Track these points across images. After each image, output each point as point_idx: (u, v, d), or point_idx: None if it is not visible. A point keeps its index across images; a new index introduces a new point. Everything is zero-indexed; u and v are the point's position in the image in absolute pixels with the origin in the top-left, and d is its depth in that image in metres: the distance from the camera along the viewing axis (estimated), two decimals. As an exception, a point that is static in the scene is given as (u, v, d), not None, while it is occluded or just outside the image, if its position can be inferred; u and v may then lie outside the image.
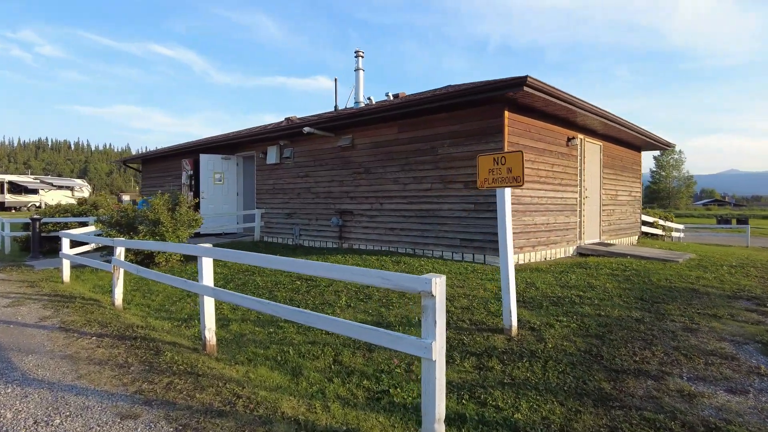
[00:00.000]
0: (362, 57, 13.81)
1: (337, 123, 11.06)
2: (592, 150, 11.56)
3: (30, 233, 12.19)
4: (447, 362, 3.98)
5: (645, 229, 15.89)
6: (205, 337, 4.60)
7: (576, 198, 10.89)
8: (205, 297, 4.59)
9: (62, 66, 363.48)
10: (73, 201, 51.80)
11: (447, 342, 4.64)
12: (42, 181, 50.73)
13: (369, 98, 14.27)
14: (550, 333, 4.80)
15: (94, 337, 5.02)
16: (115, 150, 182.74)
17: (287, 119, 19.02)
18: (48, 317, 5.80)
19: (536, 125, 9.37)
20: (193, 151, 15.82)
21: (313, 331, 5.05)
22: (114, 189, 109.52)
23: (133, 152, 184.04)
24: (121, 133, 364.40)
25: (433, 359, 2.70)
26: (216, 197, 14.15)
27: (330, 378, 3.94)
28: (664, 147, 14.79)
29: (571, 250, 10.49)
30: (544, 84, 7.86)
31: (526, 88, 7.58)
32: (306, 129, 11.07)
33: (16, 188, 45.60)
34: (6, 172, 70.08)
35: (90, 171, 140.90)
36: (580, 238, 11.11)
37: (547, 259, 9.65)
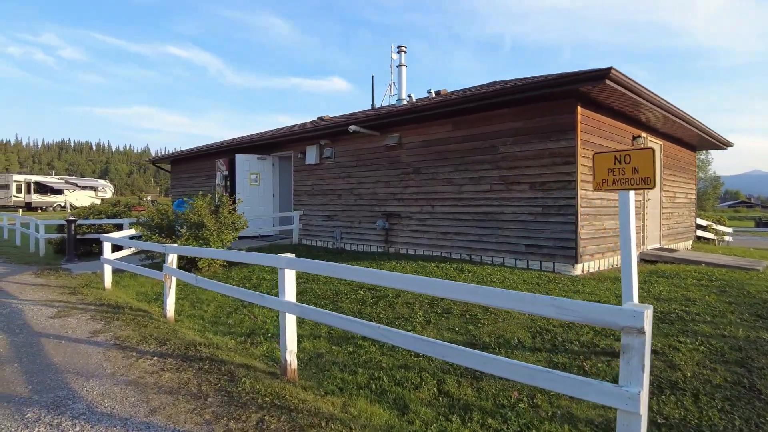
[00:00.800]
0: (405, 52, 13.21)
1: (385, 121, 10.47)
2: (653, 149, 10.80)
3: (64, 235, 11.83)
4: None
5: (698, 233, 15.02)
6: (285, 360, 4.02)
7: (639, 200, 10.15)
8: (287, 315, 4.02)
9: (82, 68, 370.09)
10: (97, 201, 52.21)
11: (562, 368, 4.01)
12: (67, 182, 51.14)
13: (410, 95, 13.67)
14: (680, 358, 4.13)
15: (155, 357, 4.48)
16: (135, 151, 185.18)
17: (320, 118, 18.52)
18: (100, 331, 5.30)
19: (605, 122, 8.66)
20: (226, 150, 15.38)
21: (400, 351, 4.45)
22: (135, 189, 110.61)
23: (152, 153, 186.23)
24: (140, 135, 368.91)
25: (640, 413, 2.08)
26: (252, 198, 13.66)
27: (445, 415, 3.33)
28: (722, 146, 13.91)
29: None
30: (628, 78, 7.16)
31: (608, 82, 6.90)
32: (352, 127, 10.50)
33: (42, 188, 45.96)
34: (31, 173, 70.96)
35: (111, 171, 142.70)
36: (643, 244, 10.36)
37: (615, 266, 8.94)
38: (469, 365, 2.79)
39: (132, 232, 9.13)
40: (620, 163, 4.12)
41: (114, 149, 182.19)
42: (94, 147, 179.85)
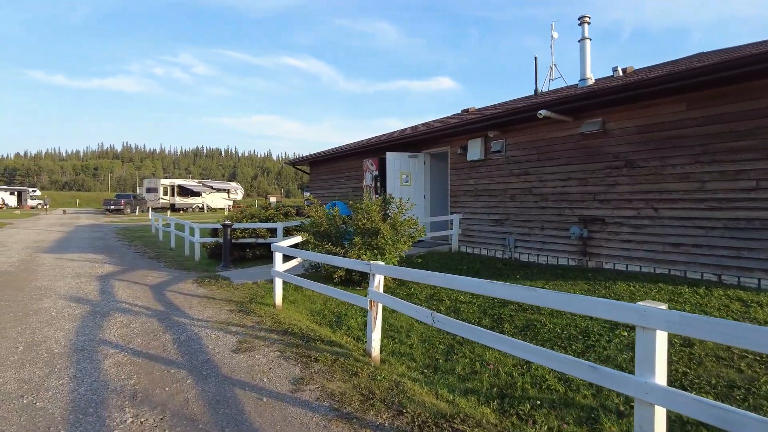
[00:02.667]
0: (588, 24, 10.98)
1: (582, 103, 8.41)
2: None
3: (219, 239, 11.35)
4: None
5: None
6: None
7: None
8: (655, 408, 2.27)
9: (211, 83, 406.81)
10: (229, 202, 55.57)
11: None
12: (204, 185, 55.11)
13: (589, 77, 11.38)
14: None
15: (400, 440, 3.00)
16: (258, 156, 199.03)
17: (465, 111, 16.80)
18: (301, 380, 4.00)
19: None
20: (373, 150, 14.25)
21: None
22: (260, 191, 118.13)
23: (274, 158, 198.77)
24: (262, 141, 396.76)
25: None
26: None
27: None
28: None
29: None
30: None
31: None
32: (543, 112, 8.58)
33: (184, 191, 49.79)
34: (172, 177, 78.17)
35: (238, 175, 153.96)
36: None
37: None
38: None
39: (298, 239, 8.09)
40: None
41: (240, 154, 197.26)
42: (223, 153, 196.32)
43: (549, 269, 8.69)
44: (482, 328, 3.67)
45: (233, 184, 65.64)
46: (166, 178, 62.67)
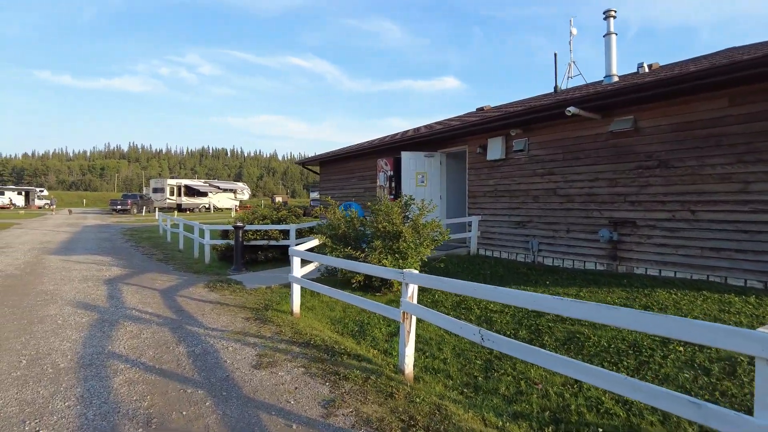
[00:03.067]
0: (614, 17, 10.55)
1: (615, 100, 8.00)
2: None
3: (229, 241, 11.00)
4: None
5: None
6: None
7: None
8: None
9: (216, 82, 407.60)
10: (236, 203, 55.36)
11: None
12: (210, 185, 54.90)
13: (614, 73, 10.94)
14: None
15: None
16: (264, 156, 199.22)
17: (479, 109, 16.39)
18: (332, 403, 3.61)
19: None
20: (385, 149, 13.87)
21: None
22: (266, 192, 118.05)
23: (279, 158, 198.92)
24: (267, 141, 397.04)
25: None
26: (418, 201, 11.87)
27: None
28: None
29: None
30: None
31: None
32: (571, 109, 8.16)
33: (190, 191, 49.57)
34: (178, 177, 78.19)
35: (244, 175, 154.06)
36: None
37: None
38: None
39: (315, 242, 7.70)
40: None
41: (246, 155, 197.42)
42: (229, 153, 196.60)
43: (577, 274, 8.27)
44: (546, 351, 3.27)
45: (240, 184, 65.40)
46: (172, 178, 62.53)
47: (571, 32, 14.11)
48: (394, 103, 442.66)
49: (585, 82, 14.40)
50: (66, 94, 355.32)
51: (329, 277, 8.53)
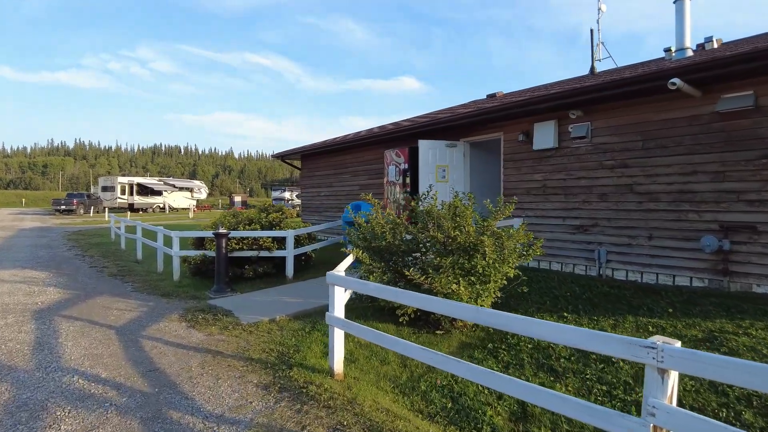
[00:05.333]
0: (684, -22, 8.76)
1: (730, 70, 6.13)
2: None
3: (208, 253, 8.53)
4: None
5: None
6: None
7: None
8: None
9: (173, 79, 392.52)
10: (192, 202, 51.63)
11: None
12: (165, 183, 50.94)
13: (687, 46, 9.12)
14: None
15: None
16: (220, 154, 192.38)
17: (490, 96, 14.44)
18: None
19: None
20: (390, 139, 11.65)
21: None
22: (223, 190, 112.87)
23: (236, 156, 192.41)
24: (224, 139, 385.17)
25: None
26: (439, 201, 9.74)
27: None
28: None
29: None
30: None
31: None
32: (675, 81, 6.22)
33: (144, 190, 45.68)
34: (129, 175, 72.91)
35: (198, 173, 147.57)
36: None
37: None
38: None
39: (350, 259, 5.40)
40: None
41: (201, 152, 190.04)
42: (182, 151, 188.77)
43: (673, 293, 6.36)
44: None
45: (197, 182, 61.31)
46: (124, 175, 58.02)
47: (599, 9, 12.37)
48: (355, 102, 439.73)
49: (616, 66, 12.69)
50: (4, 87, 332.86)
51: (358, 302, 6.28)
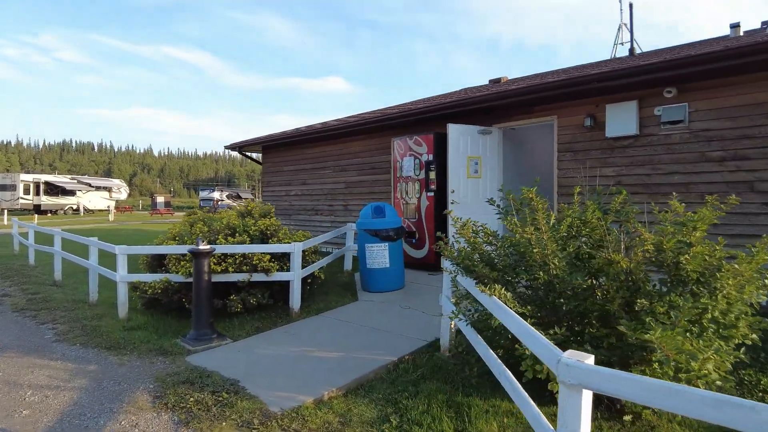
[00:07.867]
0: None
1: None
2: None
3: (173, 278, 5.87)
4: None
5: None
6: None
7: None
8: None
9: (81, 70, 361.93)
10: (111, 203, 46.13)
11: None
12: (79, 182, 45.18)
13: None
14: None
15: None
16: (138, 151, 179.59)
17: (493, 81, 12.60)
18: None
19: None
20: (401, 125, 9.42)
21: None
22: (143, 190, 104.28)
23: (156, 153, 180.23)
24: (142, 135, 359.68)
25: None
26: (472, 202, 7.66)
27: None
28: None
29: None
30: None
31: None
32: None
33: (53, 189, 39.99)
34: (34, 173, 64.65)
35: (114, 172, 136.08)
36: None
37: None
38: None
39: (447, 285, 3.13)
40: None
41: (117, 149, 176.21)
42: (96, 148, 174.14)
43: None
44: None
45: (116, 181, 55.32)
46: (28, 173, 51.05)
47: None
48: (282, 100, 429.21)
49: (641, 51, 11.30)
50: None
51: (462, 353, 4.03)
